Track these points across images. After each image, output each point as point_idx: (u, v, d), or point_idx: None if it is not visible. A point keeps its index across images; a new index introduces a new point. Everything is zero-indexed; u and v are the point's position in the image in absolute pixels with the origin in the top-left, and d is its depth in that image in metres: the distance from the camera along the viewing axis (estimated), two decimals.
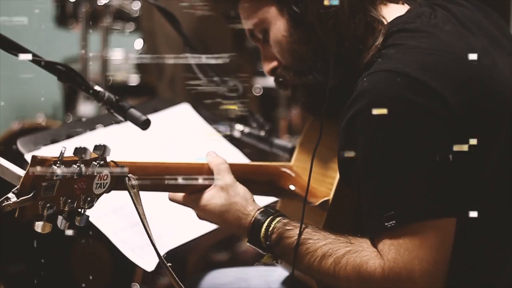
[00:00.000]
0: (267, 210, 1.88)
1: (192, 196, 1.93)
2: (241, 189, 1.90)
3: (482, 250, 1.77)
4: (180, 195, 1.96)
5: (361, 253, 1.75)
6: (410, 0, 1.92)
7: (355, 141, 1.74)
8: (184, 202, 1.96)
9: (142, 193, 1.78)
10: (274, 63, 1.99)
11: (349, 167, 1.78)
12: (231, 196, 1.89)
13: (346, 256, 1.76)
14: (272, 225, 1.85)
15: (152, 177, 1.84)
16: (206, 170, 1.94)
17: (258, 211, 1.88)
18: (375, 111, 1.71)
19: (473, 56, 1.78)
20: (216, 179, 1.91)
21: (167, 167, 1.89)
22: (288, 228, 1.83)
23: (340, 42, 1.85)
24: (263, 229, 1.85)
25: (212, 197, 1.90)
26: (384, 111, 1.70)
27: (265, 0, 1.92)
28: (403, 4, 1.91)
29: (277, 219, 1.86)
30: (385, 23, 1.86)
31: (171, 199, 1.98)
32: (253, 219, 1.87)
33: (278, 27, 1.92)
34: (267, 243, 1.85)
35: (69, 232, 1.69)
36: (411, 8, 1.89)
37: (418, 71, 1.71)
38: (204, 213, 1.93)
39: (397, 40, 1.79)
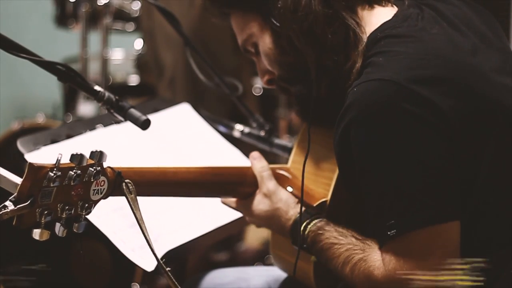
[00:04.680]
0: (306, 214, 1.93)
1: (242, 202, 2.02)
2: (284, 194, 1.97)
3: (480, 250, 1.77)
4: (232, 200, 2.04)
5: (369, 263, 1.77)
6: (398, 1, 1.91)
7: (351, 152, 1.75)
8: (235, 207, 2.05)
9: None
10: (269, 75, 1.99)
11: (350, 178, 1.79)
12: (274, 202, 1.96)
13: (359, 264, 1.79)
14: (308, 229, 1.90)
15: (150, 182, 1.84)
16: (204, 174, 1.95)
17: (298, 214, 1.93)
18: (367, 121, 1.71)
19: (462, 58, 1.78)
20: (259, 186, 1.98)
21: (165, 172, 1.89)
22: (319, 232, 1.88)
23: (319, 53, 1.84)
24: (300, 233, 1.91)
25: (257, 203, 1.99)
26: (376, 121, 1.70)
27: (250, 15, 1.93)
28: (391, 6, 1.90)
29: (313, 222, 1.90)
30: (372, 29, 1.84)
31: (223, 203, 2.07)
32: (293, 222, 1.93)
33: (264, 40, 1.93)
34: (305, 246, 1.91)
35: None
36: (398, 11, 1.87)
37: (408, 79, 1.71)
38: (252, 218, 2.02)
39: (385, 46, 1.79)
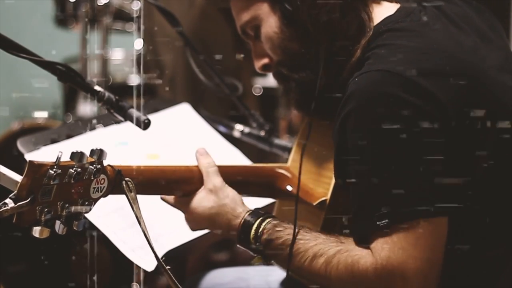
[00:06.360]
0: (257, 212, 1.89)
1: (182, 199, 1.94)
2: (230, 192, 1.91)
3: (479, 249, 1.77)
4: (171, 197, 1.97)
5: (352, 252, 1.74)
6: None
7: (348, 141, 1.74)
8: (175, 204, 1.97)
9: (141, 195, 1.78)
10: (265, 60, 1.99)
11: (345, 169, 1.78)
12: (221, 198, 1.90)
13: (337, 255, 1.75)
14: (262, 226, 1.86)
15: (150, 181, 1.84)
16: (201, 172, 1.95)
17: (248, 213, 1.89)
18: (367, 111, 1.71)
19: (463, 55, 1.78)
20: (205, 182, 1.92)
21: (164, 170, 1.89)
22: (278, 229, 1.84)
23: (332, 41, 1.85)
24: (252, 231, 1.86)
25: (201, 200, 1.91)
26: (375, 111, 1.70)
27: None
28: (395, 2, 1.91)
29: (267, 220, 1.86)
30: (376, 22, 1.86)
31: (163, 200, 2.00)
32: (242, 220, 1.88)
33: (270, 23, 1.92)
34: (257, 244, 1.86)
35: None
36: (401, 7, 1.89)
37: (409, 71, 1.71)
38: (193, 216, 1.93)
39: (387, 39, 1.80)
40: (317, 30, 1.84)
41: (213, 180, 1.91)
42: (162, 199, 2.00)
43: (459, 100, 1.72)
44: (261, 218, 1.86)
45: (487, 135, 1.75)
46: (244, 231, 1.87)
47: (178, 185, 1.91)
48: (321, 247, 1.77)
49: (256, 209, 1.91)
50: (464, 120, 1.72)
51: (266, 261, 1.88)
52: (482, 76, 1.78)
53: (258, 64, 2.00)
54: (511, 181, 1.77)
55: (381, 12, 1.88)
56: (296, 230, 1.81)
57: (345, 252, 1.75)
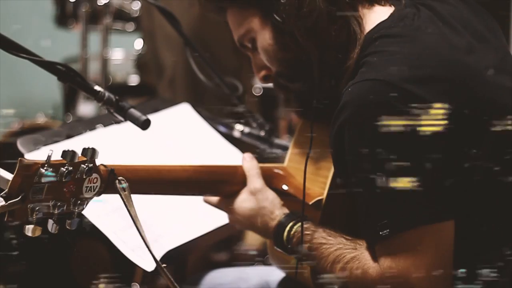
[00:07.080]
0: (292, 214, 1.93)
1: (224, 200, 2.01)
2: (270, 194, 1.97)
3: (478, 251, 1.77)
4: (214, 199, 2.03)
5: (362, 262, 1.77)
6: (396, 0, 1.91)
7: (345, 151, 1.75)
8: (217, 205, 2.04)
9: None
10: (265, 71, 2.00)
11: (345, 177, 1.79)
12: (260, 200, 1.96)
13: (351, 263, 1.78)
14: (294, 229, 1.89)
15: (143, 180, 1.84)
16: (198, 173, 1.95)
17: (284, 215, 1.93)
18: (361, 121, 1.71)
19: (457, 57, 1.78)
20: (247, 184, 1.98)
21: (159, 170, 1.89)
22: (307, 232, 1.86)
23: (322, 50, 1.85)
24: (285, 233, 1.90)
25: (242, 201, 1.98)
26: (369, 121, 1.70)
27: (250, 10, 1.92)
28: (389, 6, 1.90)
29: (299, 223, 1.89)
30: (369, 29, 1.85)
31: (206, 201, 2.06)
32: (277, 223, 1.92)
33: (264, 35, 1.92)
34: (289, 246, 1.89)
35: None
36: (395, 11, 1.87)
37: (402, 79, 1.71)
38: (235, 216, 2.00)
39: (380, 46, 1.79)
40: (305, 39, 1.84)
41: (254, 182, 1.98)
42: (204, 200, 2.06)
43: (454, 105, 1.72)
44: (294, 221, 1.90)
45: (485, 137, 1.75)
46: (278, 234, 1.92)
47: (174, 185, 1.92)
48: (340, 252, 1.81)
49: (292, 211, 1.93)
50: (461, 124, 1.72)
51: (300, 263, 1.91)
52: (476, 78, 1.77)
53: (259, 75, 2.02)
54: (510, 182, 1.77)
55: (374, 18, 1.86)
56: (322, 233, 1.85)
57: (357, 261, 1.78)
